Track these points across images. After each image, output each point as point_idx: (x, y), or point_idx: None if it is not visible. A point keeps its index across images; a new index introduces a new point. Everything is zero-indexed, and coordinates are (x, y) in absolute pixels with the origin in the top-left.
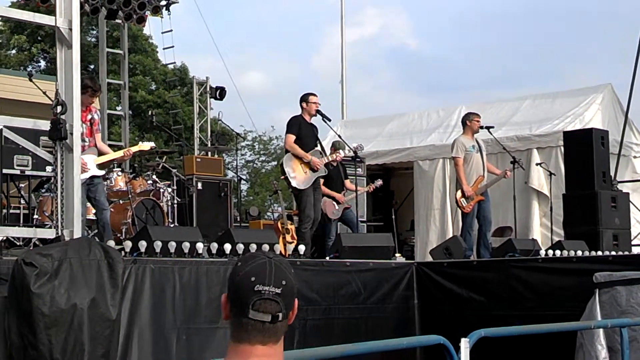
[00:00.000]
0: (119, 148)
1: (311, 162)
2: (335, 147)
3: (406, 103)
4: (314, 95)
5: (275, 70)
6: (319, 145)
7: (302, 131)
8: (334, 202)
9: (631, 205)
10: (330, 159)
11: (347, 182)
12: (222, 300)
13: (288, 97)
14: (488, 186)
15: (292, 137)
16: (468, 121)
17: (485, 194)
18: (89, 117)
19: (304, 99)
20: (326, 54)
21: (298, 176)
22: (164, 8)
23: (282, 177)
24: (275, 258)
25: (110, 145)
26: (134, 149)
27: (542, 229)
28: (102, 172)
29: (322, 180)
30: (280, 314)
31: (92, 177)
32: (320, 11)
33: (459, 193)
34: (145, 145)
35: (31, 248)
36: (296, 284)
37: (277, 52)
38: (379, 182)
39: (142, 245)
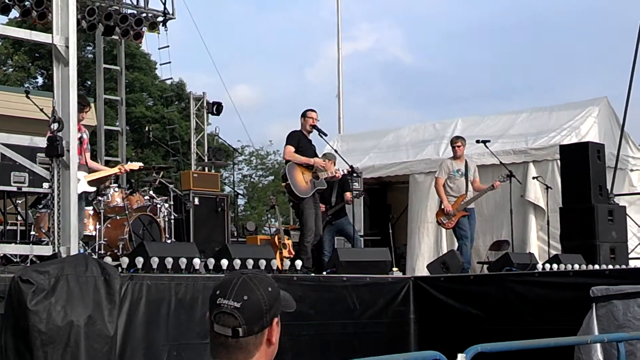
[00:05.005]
0: (116, 163)
1: (315, 163)
2: (329, 158)
3: (401, 116)
4: (313, 111)
5: (270, 84)
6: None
7: (301, 144)
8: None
9: (628, 218)
10: (331, 174)
11: (348, 195)
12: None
13: (282, 111)
14: (473, 200)
15: (292, 148)
16: (451, 145)
17: (471, 212)
18: (78, 136)
19: (303, 114)
20: (321, 68)
21: (300, 185)
22: (161, 24)
23: (284, 184)
24: (250, 274)
25: (107, 161)
26: (127, 166)
27: (539, 243)
28: (92, 189)
29: (318, 196)
30: (240, 329)
31: (79, 197)
32: (315, 26)
33: (439, 213)
34: (134, 165)
35: (28, 265)
36: (267, 301)
37: (271, 67)
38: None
39: (139, 261)
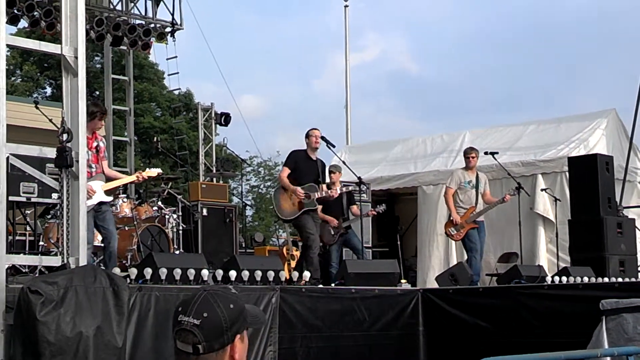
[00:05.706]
0: (125, 174)
1: (295, 192)
2: (337, 170)
3: (408, 127)
4: (315, 129)
5: (277, 94)
6: (327, 179)
7: (300, 165)
8: (330, 227)
9: (637, 231)
10: (326, 193)
11: (354, 208)
12: None
13: (289, 121)
14: (483, 212)
15: (286, 171)
16: (464, 156)
17: (481, 225)
18: (95, 144)
19: (306, 134)
20: (328, 78)
21: (284, 207)
22: (169, 35)
23: (271, 207)
24: (212, 290)
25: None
26: (146, 173)
27: (548, 255)
28: (109, 198)
29: (319, 207)
30: (200, 346)
31: (100, 204)
32: (322, 36)
33: (448, 224)
34: (153, 172)
35: (37, 275)
36: (228, 318)
37: (278, 77)
38: (382, 207)
39: (148, 272)
